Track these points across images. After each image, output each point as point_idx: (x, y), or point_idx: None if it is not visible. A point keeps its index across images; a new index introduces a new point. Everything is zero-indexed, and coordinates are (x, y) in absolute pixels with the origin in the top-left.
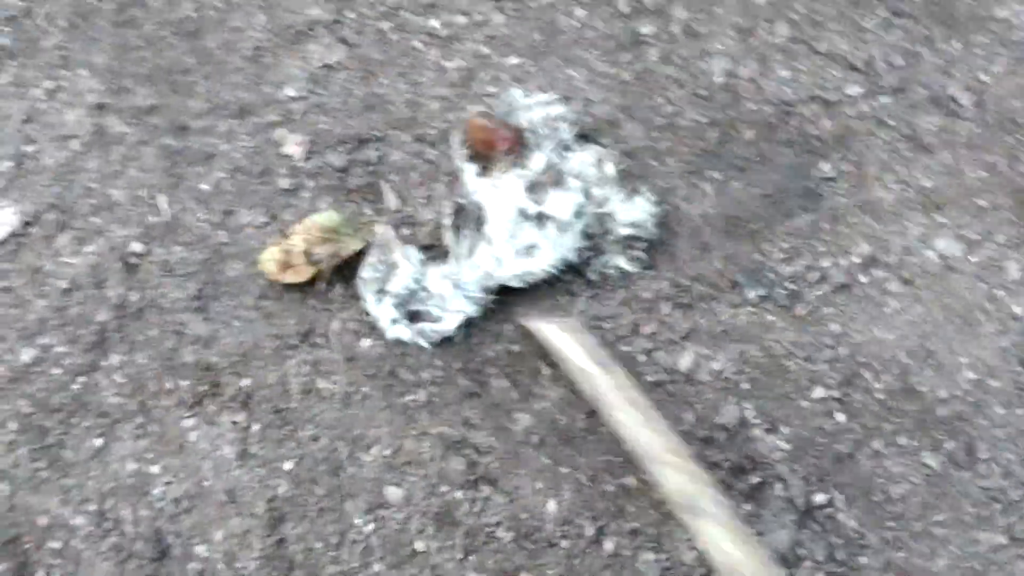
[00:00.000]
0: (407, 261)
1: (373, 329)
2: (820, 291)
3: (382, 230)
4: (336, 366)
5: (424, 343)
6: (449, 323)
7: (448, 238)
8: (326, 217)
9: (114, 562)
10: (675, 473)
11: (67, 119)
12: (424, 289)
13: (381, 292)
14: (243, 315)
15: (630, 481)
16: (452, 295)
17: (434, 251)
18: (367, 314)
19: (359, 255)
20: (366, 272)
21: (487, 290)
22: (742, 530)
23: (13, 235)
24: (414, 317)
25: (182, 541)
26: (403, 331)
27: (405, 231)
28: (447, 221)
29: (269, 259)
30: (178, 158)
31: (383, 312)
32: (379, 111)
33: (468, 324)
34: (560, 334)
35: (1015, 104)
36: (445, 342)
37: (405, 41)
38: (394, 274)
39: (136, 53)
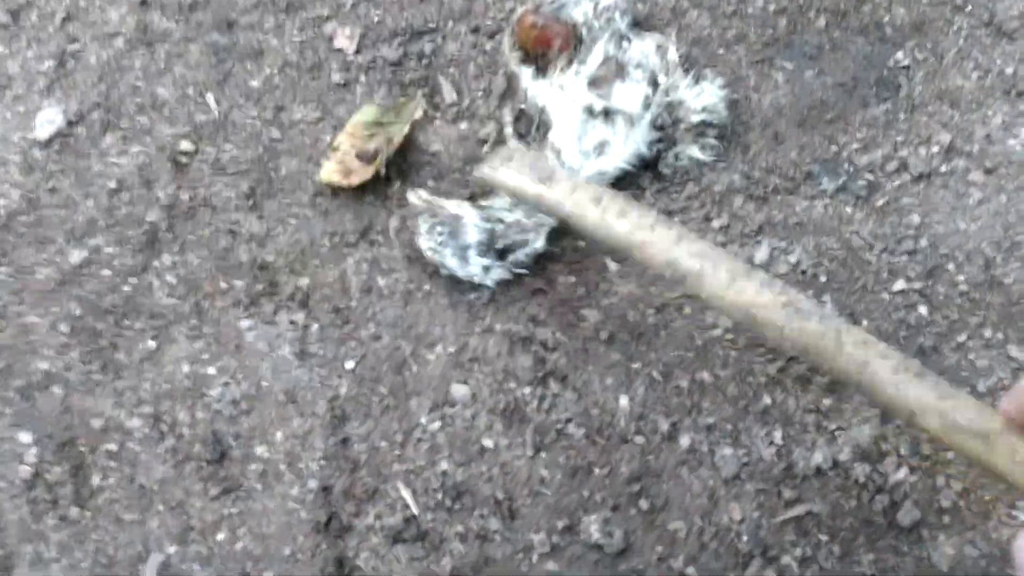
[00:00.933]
0: (463, 208)
1: None
2: (899, 181)
3: (414, 197)
4: (396, 264)
5: (524, 270)
6: (538, 240)
7: None
8: (364, 113)
9: (171, 464)
10: (656, 248)
11: (110, 16)
12: (499, 221)
13: (462, 251)
14: (298, 213)
15: (705, 376)
16: (527, 213)
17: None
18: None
19: (409, 139)
20: (429, 243)
21: None
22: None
23: (59, 135)
24: (504, 253)
25: (242, 443)
26: (502, 272)
27: (463, 125)
28: (509, 131)
29: (330, 171)
30: (225, 55)
31: (475, 270)
32: (433, 3)
33: None
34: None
35: None
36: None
37: None
38: (462, 228)
39: None
